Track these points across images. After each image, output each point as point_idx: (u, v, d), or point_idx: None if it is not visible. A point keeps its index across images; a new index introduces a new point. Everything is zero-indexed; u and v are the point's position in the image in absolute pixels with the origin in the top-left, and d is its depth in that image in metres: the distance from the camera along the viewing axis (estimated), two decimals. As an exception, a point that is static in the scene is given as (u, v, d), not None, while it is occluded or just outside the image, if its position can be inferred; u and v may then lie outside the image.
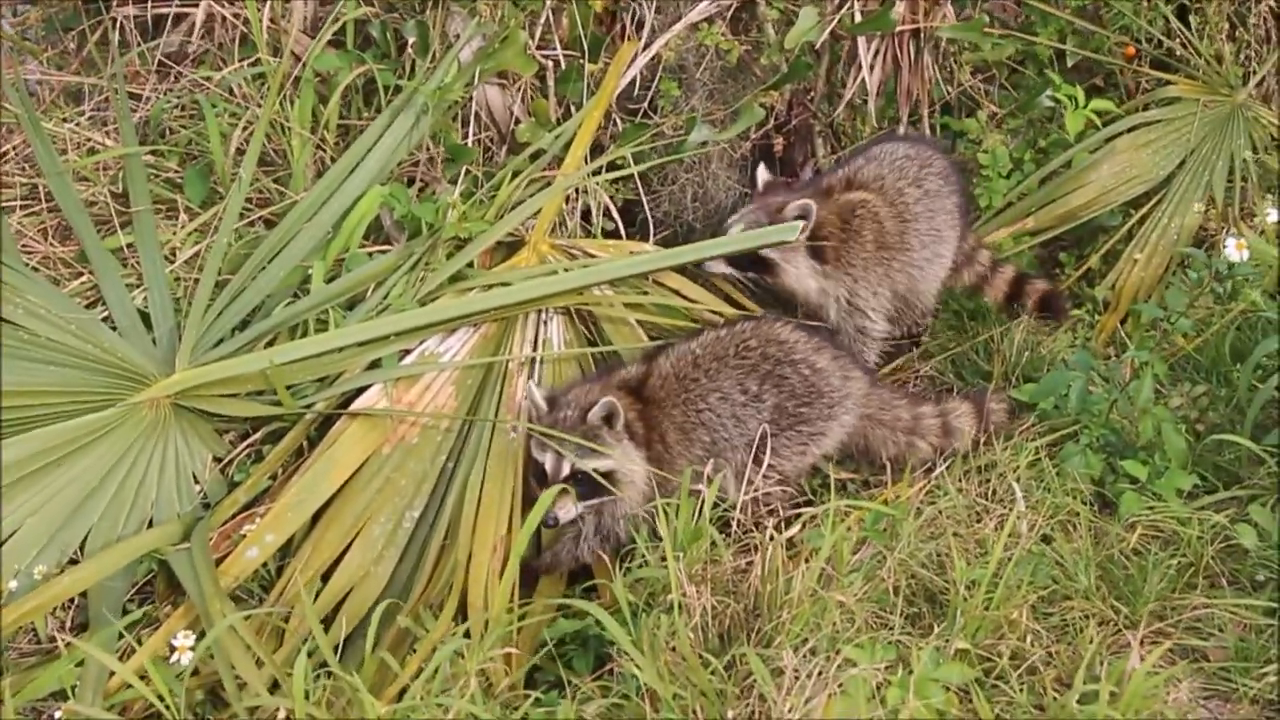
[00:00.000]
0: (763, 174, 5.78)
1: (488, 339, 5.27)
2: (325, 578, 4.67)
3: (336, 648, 4.37)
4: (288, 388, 4.96)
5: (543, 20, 5.97)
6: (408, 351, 5.19)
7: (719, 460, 4.84)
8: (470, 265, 5.44)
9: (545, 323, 5.35)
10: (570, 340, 5.34)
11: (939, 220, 5.71)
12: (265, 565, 4.69)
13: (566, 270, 5.43)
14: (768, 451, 4.87)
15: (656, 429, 4.90)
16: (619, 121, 6.14)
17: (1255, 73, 6.54)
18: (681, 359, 5.02)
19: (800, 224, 5.36)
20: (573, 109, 6.03)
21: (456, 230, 5.42)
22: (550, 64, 6.02)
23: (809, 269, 5.51)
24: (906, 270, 5.65)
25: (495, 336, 5.28)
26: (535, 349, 5.27)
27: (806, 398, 4.99)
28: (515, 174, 5.76)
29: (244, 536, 4.66)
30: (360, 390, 5.05)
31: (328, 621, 4.52)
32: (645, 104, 6.18)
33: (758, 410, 4.94)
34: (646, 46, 6.04)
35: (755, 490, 4.74)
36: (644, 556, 4.44)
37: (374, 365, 5.13)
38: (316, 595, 4.58)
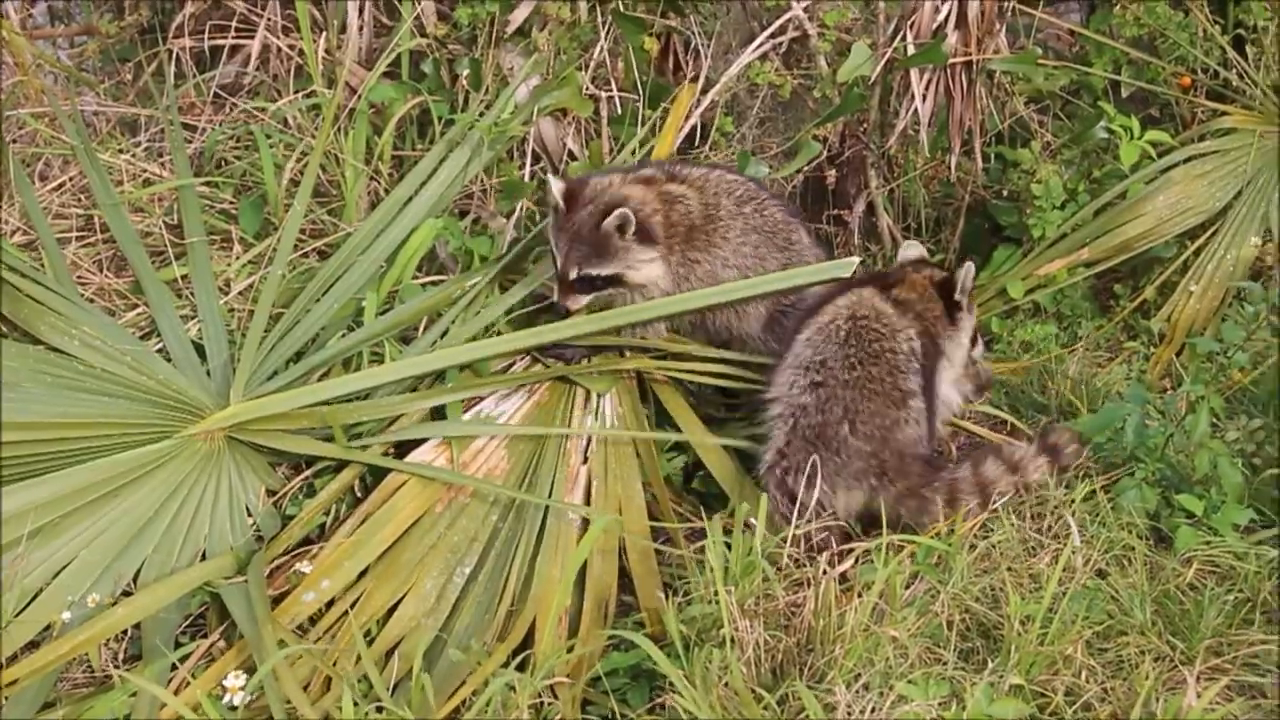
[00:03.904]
0: (555, 186, 5.30)
1: (542, 406, 5.23)
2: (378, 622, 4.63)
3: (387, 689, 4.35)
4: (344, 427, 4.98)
5: (596, 56, 5.98)
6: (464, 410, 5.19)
7: None
8: (524, 302, 5.45)
9: (601, 395, 5.28)
10: (624, 414, 5.26)
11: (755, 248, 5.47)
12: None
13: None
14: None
15: None
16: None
17: (1313, 103, 6.50)
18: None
19: (855, 260, 5.30)
20: (626, 146, 6.03)
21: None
22: (604, 97, 6.03)
23: (646, 259, 5.28)
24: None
25: (550, 405, 5.24)
26: (591, 415, 5.23)
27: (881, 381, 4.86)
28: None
29: (299, 576, 4.65)
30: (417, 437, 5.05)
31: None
32: (699, 137, 6.17)
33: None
34: (704, 90, 6.03)
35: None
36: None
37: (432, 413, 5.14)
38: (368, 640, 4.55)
